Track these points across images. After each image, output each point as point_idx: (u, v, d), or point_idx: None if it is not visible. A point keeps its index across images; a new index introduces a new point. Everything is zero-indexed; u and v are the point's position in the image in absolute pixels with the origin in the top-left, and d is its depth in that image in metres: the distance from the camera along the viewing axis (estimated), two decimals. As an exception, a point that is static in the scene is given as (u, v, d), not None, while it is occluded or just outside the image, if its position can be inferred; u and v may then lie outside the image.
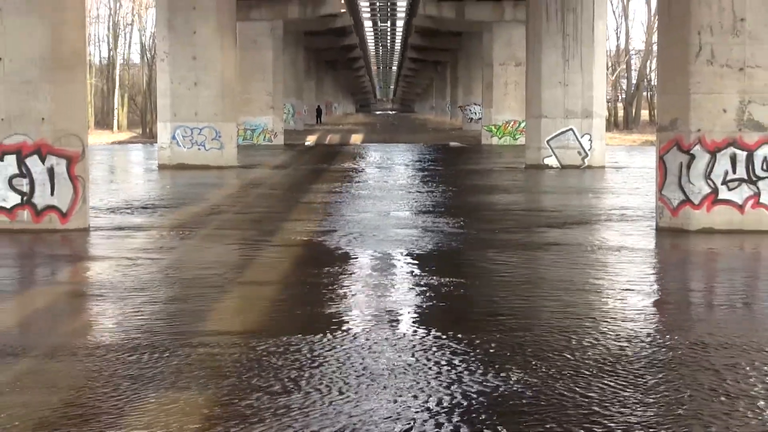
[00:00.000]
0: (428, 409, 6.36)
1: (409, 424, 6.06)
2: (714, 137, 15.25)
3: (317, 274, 11.65)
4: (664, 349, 7.91)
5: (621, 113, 74.97)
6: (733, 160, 15.22)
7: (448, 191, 22.95)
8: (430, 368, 7.33)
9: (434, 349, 7.91)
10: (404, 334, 8.52)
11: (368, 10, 75.68)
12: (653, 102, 69.21)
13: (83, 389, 6.81)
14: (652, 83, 71.83)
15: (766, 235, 14.83)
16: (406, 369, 7.30)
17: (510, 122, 46.83)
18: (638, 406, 6.42)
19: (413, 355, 7.70)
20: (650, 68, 73.32)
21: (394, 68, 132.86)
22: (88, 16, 69.05)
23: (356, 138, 56.72)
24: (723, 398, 6.59)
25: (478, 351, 7.84)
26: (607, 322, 8.98)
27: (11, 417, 6.21)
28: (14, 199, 15.36)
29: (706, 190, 15.25)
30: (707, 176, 15.24)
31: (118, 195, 21.96)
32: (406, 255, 13.10)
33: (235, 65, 33.73)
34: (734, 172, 15.21)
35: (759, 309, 10.05)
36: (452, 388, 6.82)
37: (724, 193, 15.21)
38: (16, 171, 15.35)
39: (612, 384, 6.89)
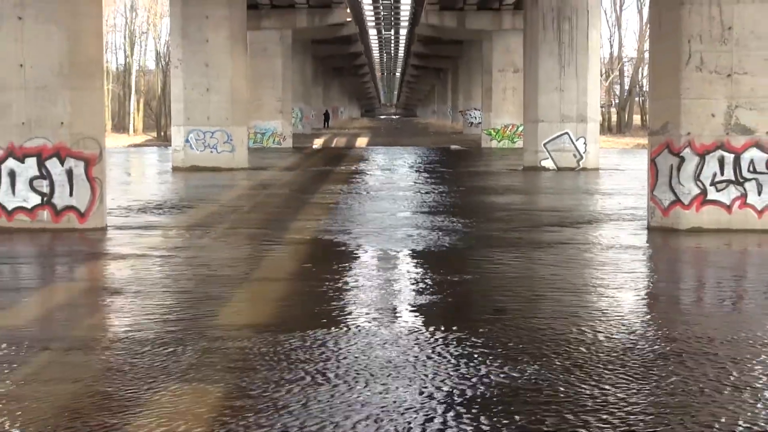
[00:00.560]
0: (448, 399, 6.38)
1: (430, 413, 6.08)
2: (703, 140, 15.26)
3: (327, 270, 11.66)
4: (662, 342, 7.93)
5: (614, 118, 74.85)
6: (721, 162, 15.23)
7: (450, 192, 22.95)
8: (449, 361, 7.35)
9: (440, 341, 7.92)
10: (415, 328, 8.53)
11: (373, 19, 75.62)
12: (645, 107, 69.12)
13: (103, 380, 6.82)
14: (644, 89, 71.71)
15: (752, 234, 14.85)
16: (423, 362, 7.32)
17: (508, 126, 46.81)
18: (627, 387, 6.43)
19: (426, 350, 7.71)
20: (642, 75, 73.21)
21: (398, 74, 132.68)
22: (106, 25, 69.14)
23: (362, 141, 56.69)
24: (729, 388, 6.62)
25: (490, 343, 7.84)
26: (605, 315, 8.99)
27: (34, 406, 6.22)
28: (35, 199, 15.40)
29: (696, 191, 15.27)
30: (696, 178, 15.25)
31: (134, 195, 21.99)
32: (413, 253, 13.10)
33: (246, 72, 33.75)
34: (722, 173, 15.22)
35: (745, 302, 10.07)
36: (472, 380, 6.83)
37: (712, 194, 15.23)
38: (37, 173, 15.38)
39: (618, 376, 6.91)
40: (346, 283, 10.87)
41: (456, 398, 6.41)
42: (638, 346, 7.78)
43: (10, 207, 15.38)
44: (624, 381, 6.79)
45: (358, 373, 6.98)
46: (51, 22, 15.41)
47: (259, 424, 5.91)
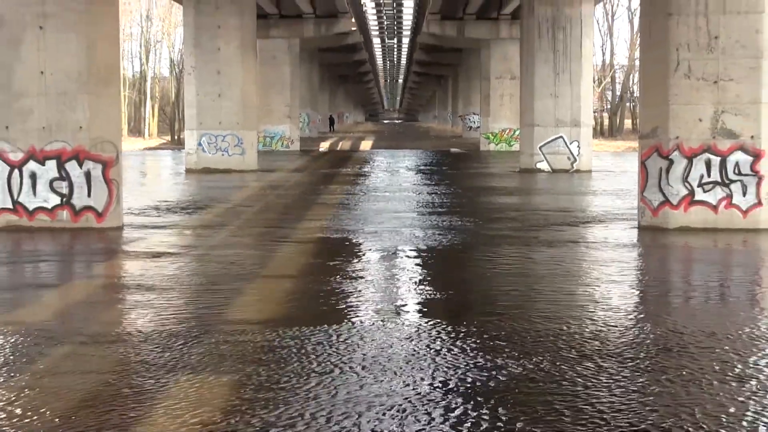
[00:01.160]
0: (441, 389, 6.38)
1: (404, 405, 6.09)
2: (691, 144, 15.27)
3: (335, 267, 11.67)
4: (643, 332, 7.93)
5: (606, 122, 74.81)
6: (708, 164, 15.24)
7: (450, 192, 22.95)
8: (467, 353, 7.34)
9: (433, 335, 7.93)
10: (420, 323, 8.54)
11: (377, 28, 75.69)
12: (635, 112, 69.05)
13: (118, 373, 6.83)
14: (635, 95, 71.67)
15: (736, 233, 14.86)
16: (421, 356, 7.32)
17: (506, 130, 46.82)
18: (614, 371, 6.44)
19: (419, 343, 7.72)
20: (633, 81, 73.17)
21: (400, 81, 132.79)
22: (122, 34, 69.18)
23: (366, 144, 56.70)
24: (720, 378, 6.63)
25: (485, 336, 7.85)
26: (601, 309, 9.00)
27: (53, 396, 6.24)
28: (54, 200, 15.43)
29: (684, 192, 15.28)
30: (684, 179, 15.27)
31: (149, 196, 22.00)
32: (417, 250, 13.10)
33: (255, 79, 33.78)
34: (709, 175, 15.23)
35: (730, 296, 10.07)
36: (492, 372, 6.83)
37: (699, 195, 15.24)
38: (56, 175, 15.41)
39: (607, 365, 6.92)
40: (357, 279, 10.84)
41: (475, 389, 6.39)
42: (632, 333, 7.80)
43: (31, 207, 15.42)
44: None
45: (383, 366, 6.98)
46: (70, 31, 15.43)
47: (289, 414, 5.91)
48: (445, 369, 6.89)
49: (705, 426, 5.66)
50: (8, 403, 6.10)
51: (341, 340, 7.81)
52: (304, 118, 59.08)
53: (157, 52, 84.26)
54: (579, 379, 6.61)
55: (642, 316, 8.94)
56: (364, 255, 12.87)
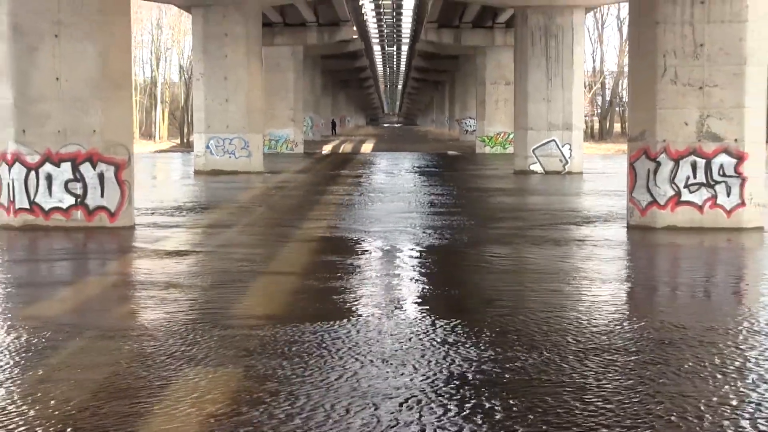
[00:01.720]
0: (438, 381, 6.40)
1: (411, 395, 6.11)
2: (677, 147, 15.29)
3: (339, 265, 11.68)
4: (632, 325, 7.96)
5: (597, 126, 74.79)
6: (694, 166, 15.26)
7: (448, 193, 22.96)
8: (477, 347, 7.36)
9: (433, 329, 7.95)
10: (417, 318, 8.56)
11: (377, 36, 75.66)
12: (624, 116, 69.01)
13: (131, 365, 6.85)
14: (624, 100, 71.68)
15: (721, 232, 14.89)
16: (417, 349, 7.34)
17: (500, 133, 46.82)
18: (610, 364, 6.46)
19: (415, 338, 7.74)
20: (622, 87, 73.17)
21: (400, 86, 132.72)
22: (134, 41, 69.15)
23: (367, 147, 56.70)
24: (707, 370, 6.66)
25: (485, 332, 7.88)
26: (596, 304, 9.03)
27: (69, 388, 6.26)
28: (69, 200, 15.45)
29: (671, 192, 15.30)
30: (671, 181, 15.29)
31: (160, 197, 22.01)
32: (419, 248, 13.11)
33: (261, 84, 33.81)
34: (695, 177, 15.26)
35: (715, 291, 10.11)
36: (506, 365, 6.84)
37: (686, 196, 15.27)
38: (71, 176, 15.43)
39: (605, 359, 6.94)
40: (362, 277, 10.87)
41: (487, 381, 6.41)
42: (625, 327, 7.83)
43: (47, 207, 15.44)
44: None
45: (398, 358, 6.99)
46: (85, 39, 15.45)
47: (312, 405, 5.91)
48: (460, 363, 6.92)
49: (709, 416, 5.69)
50: (28, 395, 6.12)
51: (360, 334, 7.81)
52: (308, 122, 59.11)
53: (167, 59, 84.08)
54: (588, 372, 6.64)
55: (636, 312, 8.96)
56: (370, 252, 12.81)
